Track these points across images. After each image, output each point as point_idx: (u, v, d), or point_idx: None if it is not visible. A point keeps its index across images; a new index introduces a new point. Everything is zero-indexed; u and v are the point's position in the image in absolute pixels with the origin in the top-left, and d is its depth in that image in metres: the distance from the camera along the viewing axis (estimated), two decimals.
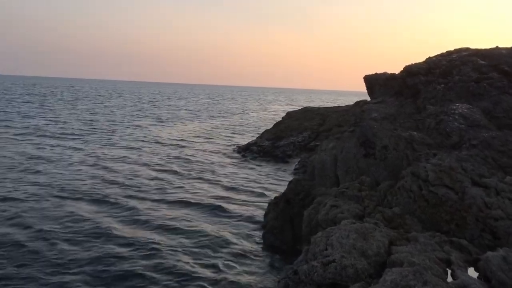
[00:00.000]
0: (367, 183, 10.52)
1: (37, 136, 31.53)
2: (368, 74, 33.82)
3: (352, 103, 33.98)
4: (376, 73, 32.90)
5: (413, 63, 26.42)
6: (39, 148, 26.37)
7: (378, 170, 11.12)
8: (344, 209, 9.16)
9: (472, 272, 6.16)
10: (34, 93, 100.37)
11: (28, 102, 67.43)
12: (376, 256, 5.88)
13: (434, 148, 11.35)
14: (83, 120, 44.89)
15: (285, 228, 12.37)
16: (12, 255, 10.92)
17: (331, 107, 33.90)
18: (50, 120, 42.35)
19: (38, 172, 19.94)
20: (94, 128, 37.97)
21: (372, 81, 32.32)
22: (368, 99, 33.02)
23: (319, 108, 33.40)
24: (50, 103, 69.73)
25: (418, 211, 8.59)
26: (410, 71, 26.56)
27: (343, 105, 36.13)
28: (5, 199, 15.37)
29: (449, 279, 5.72)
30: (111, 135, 34.37)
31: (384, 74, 32.13)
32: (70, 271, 10.09)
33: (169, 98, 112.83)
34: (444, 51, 23.69)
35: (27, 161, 22.13)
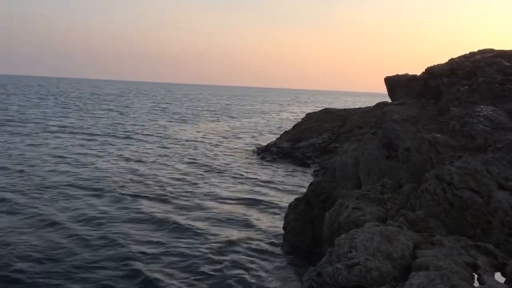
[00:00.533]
0: (389, 186, 10.45)
1: (83, 134, 33.41)
2: (388, 75, 33.55)
3: (372, 105, 33.77)
4: (397, 75, 32.59)
5: (435, 64, 26.10)
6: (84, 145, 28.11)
7: (400, 173, 11.03)
8: (367, 211, 9.12)
9: (499, 277, 6.07)
10: (60, 93, 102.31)
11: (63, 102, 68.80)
12: (401, 259, 5.84)
13: (458, 151, 11.20)
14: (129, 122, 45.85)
15: (306, 230, 12.36)
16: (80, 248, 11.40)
17: (351, 109, 33.70)
18: (81, 119, 43.13)
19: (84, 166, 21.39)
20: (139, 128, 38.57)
21: (393, 83, 32.03)
22: (389, 100, 32.75)
23: (339, 110, 33.24)
24: (78, 103, 70.96)
25: (443, 215, 8.49)
26: (432, 72, 26.23)
27: (363, 106, 35.88)
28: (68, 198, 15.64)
29: (476, 283, 5.65)
30: (145, 134, 35.59)
31: (405, 75, 31.80)
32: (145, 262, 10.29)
33: (189, 99, 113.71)
34: (467, 52, 23.35)
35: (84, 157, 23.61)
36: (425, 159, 11.15)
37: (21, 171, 19.72)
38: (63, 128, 36.73)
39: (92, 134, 34.00)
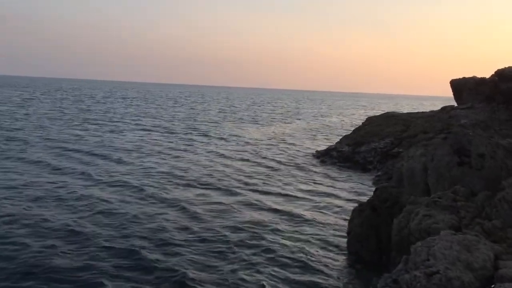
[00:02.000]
0: (462, 193, 10.06)
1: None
2: (454, 78, 32.27)
3: (436, 109, 32.65)
4: (463, 78, 31.31)
5: (506, 66, 24.79)
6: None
7: (473, 180, 10.59)
8: (439, 219, 8.84)
9: None
10: (106, 95, 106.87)
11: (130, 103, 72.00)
12: (482, 270, 5.63)
13: None
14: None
15: (370, 236, 12.13)
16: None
17: (414, 113, 32.73)
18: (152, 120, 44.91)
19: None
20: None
21: (459, 86, 30.80)
22: (455, 104, 31.52)
23: (401, 114, 32.38)
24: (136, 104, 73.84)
25: None
26: (502, 75, 24.95)
27: (427, 110, 34.74)
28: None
29: None
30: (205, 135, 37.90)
31: (473, 78, 30.49)
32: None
33: (253, 102, 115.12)
34: None
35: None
36: (500, 166, 10.64)
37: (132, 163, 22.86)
38: (152, 127, 41.26)
39: (175, 132, 38.26)
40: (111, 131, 36.17)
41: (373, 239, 12.00)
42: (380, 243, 11.82)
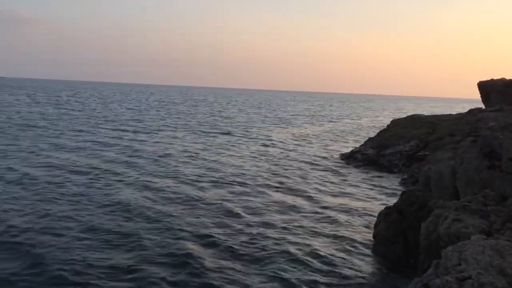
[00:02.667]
0: (492, 197, 9.89)
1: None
2: (482, 80, 31.67)
3: (463, 111, 32.12)
4: (491, 79, 30.72)
5: None
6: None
7: (504, 184, 10.40)
8: (468, 223, 8.72)
9: None
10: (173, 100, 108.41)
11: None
12: None
13: None
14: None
15: (397, 240, 12.03)
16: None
17: (440, 115, 32.23)
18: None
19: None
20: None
21: (487, 88, 30.25)
22: (482, 106, 30.94)
23: (427, 116, 31.93)
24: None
25: None
26: None
27: (453, 113, 34.18)
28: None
29: None
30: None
31: (502, 80, 29.88)
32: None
33: (281, 104, 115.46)
34: None
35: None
36: None
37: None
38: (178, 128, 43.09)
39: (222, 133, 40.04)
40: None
41: (400, 243, 11.90)
42: (407, 247, 11.72)
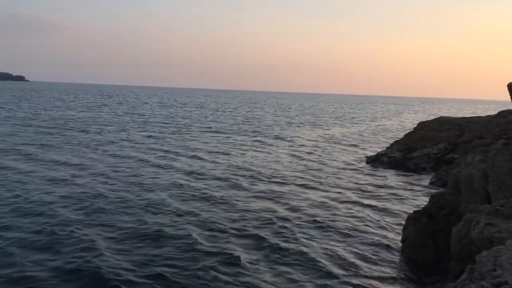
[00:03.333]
0: None
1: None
2: None
3: (494, 113, 31.41)
4: None
5: None
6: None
7: None
8: (502, 228, 8.53)
9: None
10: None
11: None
12: None
13: None
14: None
15: (427, 244, 11.87)
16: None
17: (469, 117, 31.63)
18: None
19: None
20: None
21: None
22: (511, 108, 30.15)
23: (455, 118, 31.38)
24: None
25: None
26: None
27: (483, 115, 33.46)
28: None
29: None
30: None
31: None
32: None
33: (299, 107, 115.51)
34: None
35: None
36: None
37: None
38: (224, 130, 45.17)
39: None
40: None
41: (430, 247, 11.74)
42: (437, 251, 11.55)
